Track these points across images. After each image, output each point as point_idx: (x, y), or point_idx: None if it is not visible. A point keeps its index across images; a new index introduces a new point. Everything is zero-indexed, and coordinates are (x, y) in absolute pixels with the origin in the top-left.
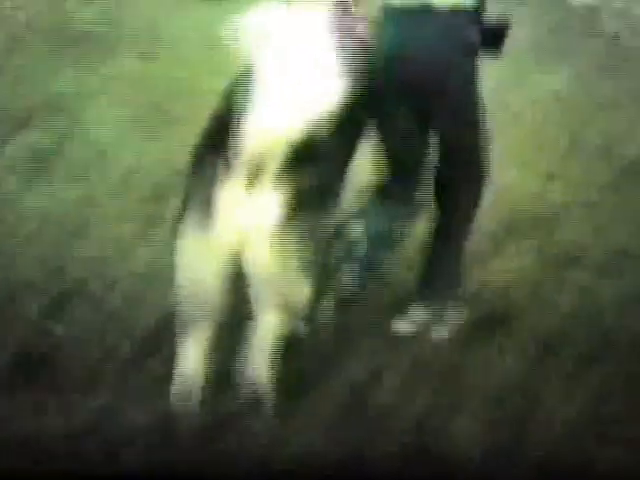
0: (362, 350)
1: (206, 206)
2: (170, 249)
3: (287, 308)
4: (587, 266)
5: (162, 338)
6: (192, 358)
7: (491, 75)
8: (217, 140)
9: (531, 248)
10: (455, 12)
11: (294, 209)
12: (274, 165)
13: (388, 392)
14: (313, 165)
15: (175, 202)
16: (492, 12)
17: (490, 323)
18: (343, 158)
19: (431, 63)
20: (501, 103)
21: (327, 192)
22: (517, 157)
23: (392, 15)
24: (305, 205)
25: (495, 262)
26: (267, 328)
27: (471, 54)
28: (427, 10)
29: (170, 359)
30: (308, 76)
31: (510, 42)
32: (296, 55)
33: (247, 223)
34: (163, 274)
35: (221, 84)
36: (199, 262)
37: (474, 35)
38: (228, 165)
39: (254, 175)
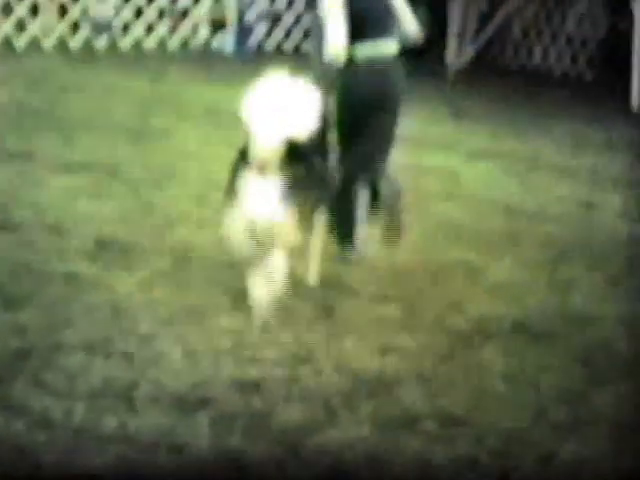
0: None
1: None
2: None
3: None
4: (421, 432)
5: None
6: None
7: (325, 246)
8: (244, 156)
9: (367, 416)
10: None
11: (289, 188)
12: (272, 165)
13: None
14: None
15: None
16: None
17: None
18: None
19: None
20: (337, 277)
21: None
22: (354, 329)
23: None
24: (297, 186)
25: (331, 431)
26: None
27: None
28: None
29: None
30: (288, 115)
31: None
32: (281, 103)
33: (261, 199)
34: None
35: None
36: (237, 225)
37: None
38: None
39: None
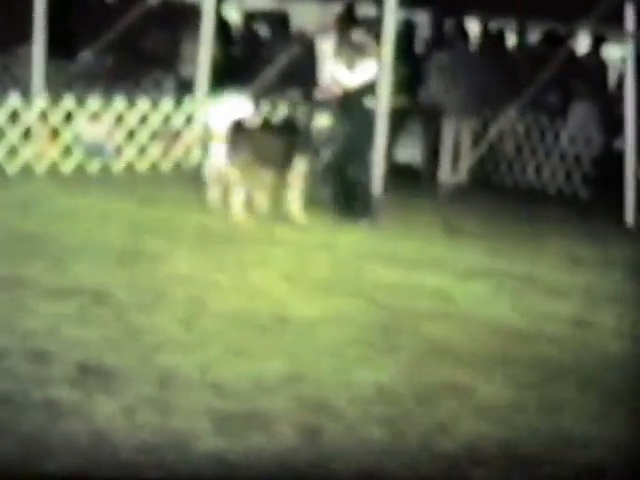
0: None
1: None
2: None
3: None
4: None
5: None
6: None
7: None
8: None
9: None
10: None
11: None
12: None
13: None
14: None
15: None
16: None
17: None
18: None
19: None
20: (322, 399)
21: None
22: (338, 453)
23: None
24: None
25: None
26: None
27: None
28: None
29: None
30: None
31: (334, 337)
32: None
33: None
34: None
35: None
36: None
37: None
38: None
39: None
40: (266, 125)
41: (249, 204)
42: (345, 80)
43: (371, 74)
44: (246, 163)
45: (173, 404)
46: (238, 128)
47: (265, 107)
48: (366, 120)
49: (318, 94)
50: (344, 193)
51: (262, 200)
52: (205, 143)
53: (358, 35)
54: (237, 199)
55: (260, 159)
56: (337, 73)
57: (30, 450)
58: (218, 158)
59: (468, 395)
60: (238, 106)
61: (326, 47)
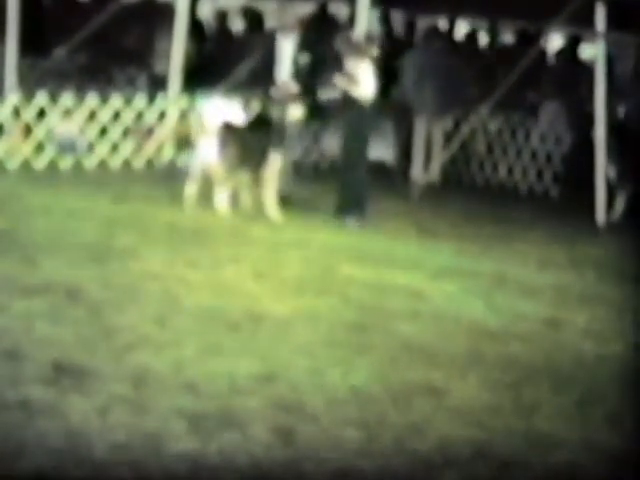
0: None
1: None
2: None
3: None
4: None
5: None
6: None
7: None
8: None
9: None
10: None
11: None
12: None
13: None
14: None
15: None
16: None
17: None
18: None
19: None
20: (297, 401)
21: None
22: (313, 454)
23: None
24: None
25: None
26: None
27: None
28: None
29: None
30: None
31: (307, 336)
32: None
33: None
34: None
35: None
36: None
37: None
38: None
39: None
40: (254, 124)
41: (232, 201)
42: (359, 94)
43: (372, 78)
44: (233, 161)
45: (147, 404)
46: (229, 126)
47: (255, 106)
48: (366, 119)
49: (274, 92)
50: (351, 193)
51: (246, 198)
52: (192, 138)
53: (356, 35)
54: (223, 196)
55: (242, 158)
56: (349, 87)
57: (3, 449)
58: (207, 154)
59: (442, 396)
60: (229, 105)
61: (287, 46)
